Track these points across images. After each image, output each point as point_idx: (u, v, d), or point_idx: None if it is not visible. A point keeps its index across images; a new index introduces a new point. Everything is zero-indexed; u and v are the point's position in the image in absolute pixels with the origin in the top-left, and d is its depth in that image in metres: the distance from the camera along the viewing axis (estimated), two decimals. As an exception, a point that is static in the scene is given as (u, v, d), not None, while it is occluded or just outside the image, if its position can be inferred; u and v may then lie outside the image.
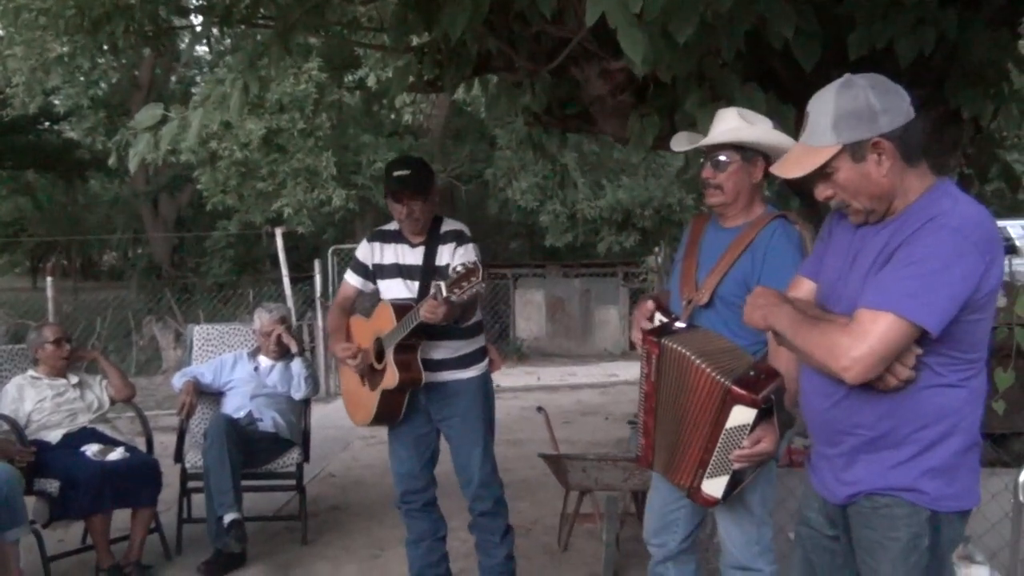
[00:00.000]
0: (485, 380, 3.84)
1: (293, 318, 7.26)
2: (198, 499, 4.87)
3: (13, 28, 10.54)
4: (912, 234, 2.02)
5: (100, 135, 15.66)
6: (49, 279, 9.71)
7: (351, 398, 3.93)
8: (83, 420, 4.72)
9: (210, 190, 13.62)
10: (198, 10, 4.87)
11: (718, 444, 2.57)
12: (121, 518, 4.54)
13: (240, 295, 13.85)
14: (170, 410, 7.34)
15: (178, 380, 5.14)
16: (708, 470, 2.62)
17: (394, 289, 3.76)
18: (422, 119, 15.04)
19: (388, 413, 3.72)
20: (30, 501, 4.29)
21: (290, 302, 10.29)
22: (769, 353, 2.56)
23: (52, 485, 4.34)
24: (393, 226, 3.82)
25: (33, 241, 25.19)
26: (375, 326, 3.71)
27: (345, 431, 8.16)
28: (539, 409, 5.19)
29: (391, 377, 3.58)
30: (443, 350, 3.70)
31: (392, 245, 3.79)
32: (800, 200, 4.70)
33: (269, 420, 4.96)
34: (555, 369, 12.41)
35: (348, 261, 12.85)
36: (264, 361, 5.18)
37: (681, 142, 3.04)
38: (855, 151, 2.07)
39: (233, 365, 5.18)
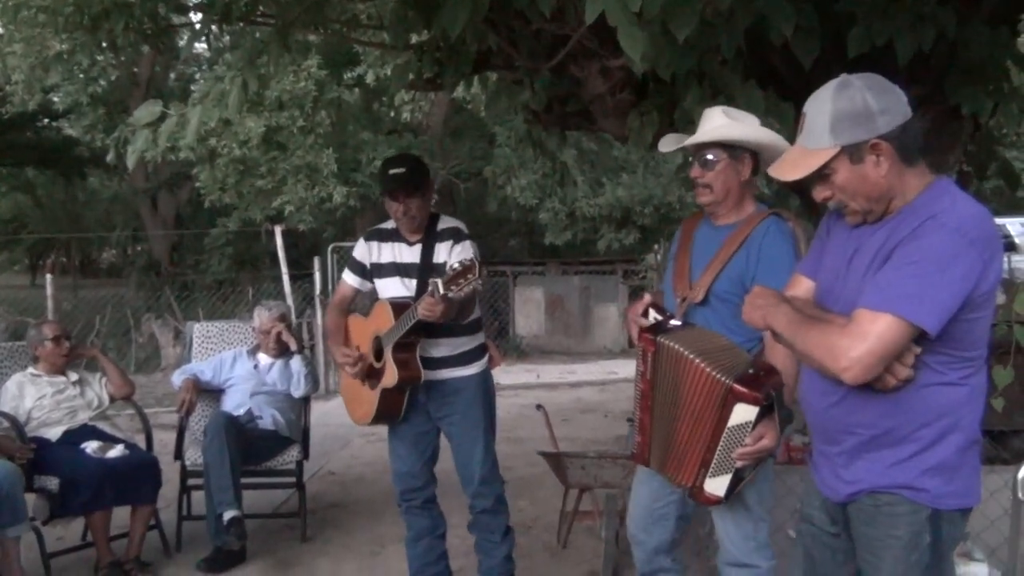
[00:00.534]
0: (485, 377, 3.84)
1: (292, 316, 7.25)
2: (198, 496, 4.87)
3: (12, 25, 10.52)
4: (910, 233, 2.02)
5: (99, 132, 15.63)
6: (48, 276, 9.73)
7: (351, 396, 3.93)
8: (83, 417, 4.72)
9: (209, 188, 13.61)
10: (197, 8, 4.86)
11: (720, 443, 2.57)
12: (121, 515, 4.54)
13: (239, 293, 13.86)
14: (170, 407, 7.35)
15: (177, 378, 5.14)
16: (711, 469, 2.62)
17: (392, 288, 3.75)
18: (421, 117, 15.04)
19: (388, 412, 3.71)
20: (30, 498, 4.29)
21: (289, 300, 10.29)
22: (766, 350, 2.56)
23: (52, 482, 4.35)
24: (390, 225, 3.81)
25: (32, 239, 25.18)
26: (374, 325, 3.71)
27: (345, 428, 8.16)
28: (538, 407, 5.19)
29: (390, 376, 3.57)
30: (443, 348, 3.69)
31: (389, 244, 3.79)
32: (800, 199, 4.71)
33: (269, 417, 4.96)
34: (554, 367, 12.41)
35: (347, 259, 12.84)
36: (263, 359, 5.19)
37: (669, 143, 3.06)
38: (853, 153, 2.06)
39: (233, 363, 5.18)
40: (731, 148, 2.87)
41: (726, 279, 2.87)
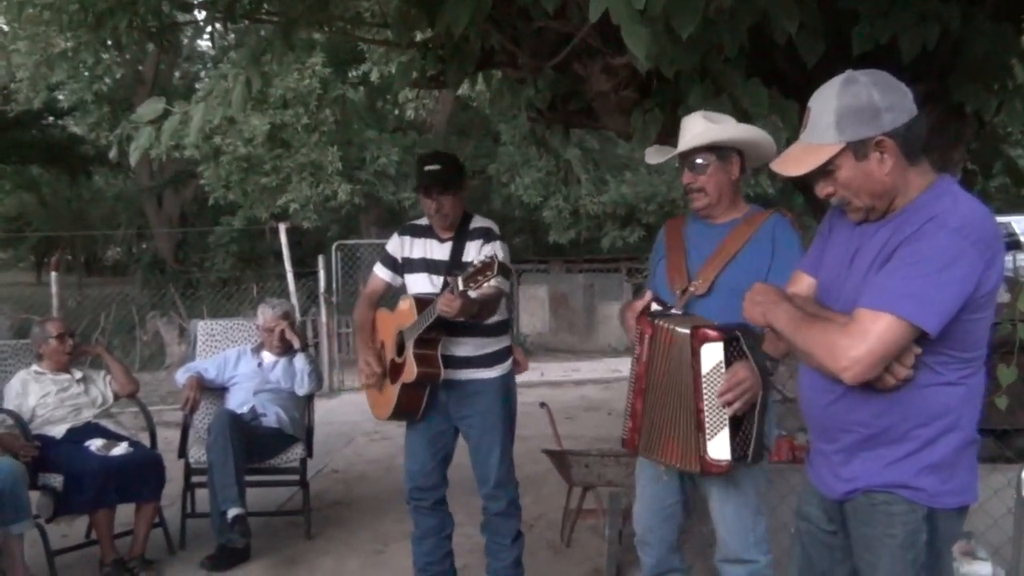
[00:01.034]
0: (507, 380, 3.82)
1: (297, 314, 7.26)
2: (202, 494, 4.87)
3: (17, 23, 10.57)
4: (912, 234, 2.01)
5: (104, 130, 15.67)
6: (53, 274, 9.75)
7: (373, 391, 3.93)
8: (87, 415, 4.73)
9: (214, 185, 13.63)
10: (201, 5, 4.86)
11: (704, 396, 2.64)
12: (125, 513, 4.55)
13: (244, 290, 13.88)
14: (174, 405, 7.35)
15: (182, 375, 5.15)
16: (707, 431, 2.66)
17: (420, 284, 3.76)
18: (426, 114, 15.04)
19: (407, 408, 3.71)
20: (34, 496, 4.31)
21: (294, 298, 10.31)
22: (765, 344, 2.59)
23: (56, 480, 4.36)
24: (424, 221, 3.82)
25: (37, 236, 25.28)
26: (398, 320, 3.72)
27: (348, 426, 8.19)
28: (542, 405, 5.19)
29: (409, 371, 3.58)
30: (466, 347, 3.69)
31: (422, 240, 3.80)
32: (803, 196, 4.70)
33: (272, 415, 4.97)
34: (558, 365, 12.41)
35: (351, 256, 12.82)
36: (267, 357, 5.19)
37: (653, 155, 3.12)
38: (858, 149, 2.05)
39: (237, 361, 5.19)
40: (718, 150, 2.94)
41: (736, 272, 2.89)
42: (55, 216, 25.77)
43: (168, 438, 5.63)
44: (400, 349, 3.67)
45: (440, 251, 3.74)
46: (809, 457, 2.37)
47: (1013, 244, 12.17)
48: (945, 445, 2.08)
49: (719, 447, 2.68)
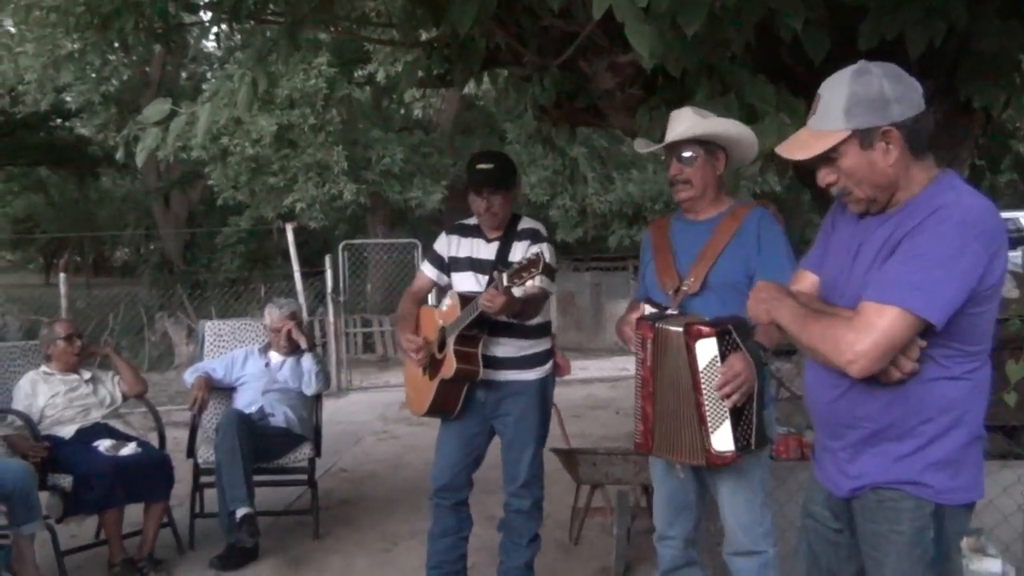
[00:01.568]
0: (546, 383, 3.82)
1: (304, 313, 7.28)
2: (210, 494, 4.89)
3: (24, 25, 10.57)
4: (916, 227, 2.01)
5: (111, 132, 15.69)
6: (62, 275, 9.78)
7: (412, 385, 3.94)
8: (96, 415, 4.74)
9: (221, 186, 13.66)
10: (207, 6, 4.87)
11: (703, 391, 2.68)
12: (134, 513, 4.56)
13: (252, 290, 13.91)
14: (182, 405, 7.38)
15: (190, 376, 5.16)
16: (709, 424, 2.70)
17: (465, 282, 3.75)
18: (432, 114, 15.05)
19: (444, 405, 3.71)
20: (44, 496, 4.32)
21: (301, 297, 10.32)
22: (759, 333, 2.67)
23: (65, 480, 4.37)
24: (472, 220, 3.82)
25: (46, 238, 25.35)
26: (441, 316, 3.72)
27: (356, 426, 8.20)
28: (550, 403, 5.19)
29: (449, 366, 3.58)
30: (506, 348, 3.68)
31: (469, 239, 3.80)
32: (811, 192, 4.69)
33: (281, 415, 4.97)
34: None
35: (358, 256, 12.83)
36: (275, 356, 5.20)
37: (642, 145, 3.16)
38: (864, 138, 2.06)
39: (244, 360, 5.20)
40: (706, 144, 2.99)
41: (725, 267, 2.94)
42: (63, 217, 25.85)
43: (177, 438, 5.65)
44: (441, 345, 3.67)
45: (486, 251, 3.74)
46: (815, 455, 2.37)
47: (1021, 240, 12.11)
48: (952, 440, 2.07)
49: (722, 439, 2.71)
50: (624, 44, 2.97)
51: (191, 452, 5.01)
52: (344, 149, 12.93)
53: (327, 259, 10.72)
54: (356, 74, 13.28)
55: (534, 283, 3.28)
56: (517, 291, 3.32)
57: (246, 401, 5.01)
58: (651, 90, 4.04)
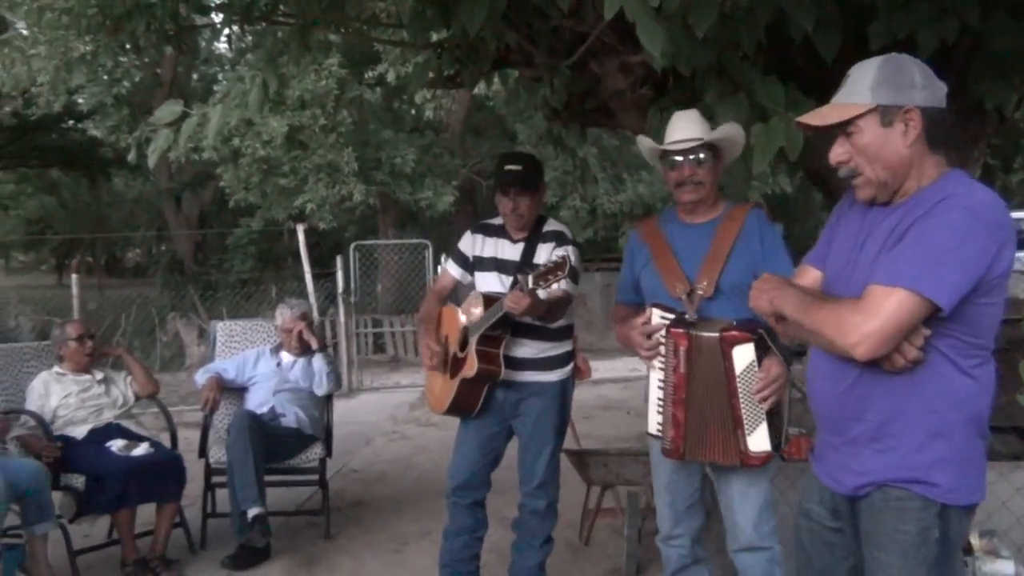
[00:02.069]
0: (565, 386, 3.82)
1: (315, 314, 7.29)
2: (222, 494, 4.90)
3: (37, 28, 10.64)
4: (924, 214, 2.01)
5: (123, 133, 15.75)
6: (74, 276, 9.81)
7: (433, 384, 3.94)
8: (108, 416, 4.76)
9: (233, 187, 13.70)
10: (219, 8, 4.89)
11: (740, 395, 2.72)
12: (146, 513, 4.58)
13: (263, 291, 13.95)
14: (194, 406, 7.40)
15: (201, 376, 5.18)
16: (745, 426, 2.74)
17: (489, 282, 3.76)
18: (443, 114, 15.05)
19: (463, 404, 3.72)
20: (57, 496, 4.34)
21: (312, 298, 10.34)
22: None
23: (78, 480, 4.40)
24: (498, 221, 3.83)
25: (58, 239, 25.45)
26: (465, 316, 3.73)
27: (367, 426, 8.21)
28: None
29: (470, 366, 3.59)
30: (527, 349, 3.69)
31: (494, 239, 3.81)
32: (822, 192, 4.68)
33: (292, 415, 4.99)
34: (576, 364, 12.36)
35: (369, 257, 12.83)
36: (286, 357, 5.21)
37: (648, 143, 3.17)
38: (885, 114, 2.07)
39: (256, 361, 5.21)
40: (713, 147, 3.04)
41: (733, 271, 2.96)
42: (75, 219, 25.98)
43: (188, 438, 5.66)
44: (463, 345, 3.68)
45: (511, 251, 3.75)
46: (816, 452, 2.36)
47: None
48: (959, 437, 2.07)
49: (759, 440, 2.76)
50: (635, 44, 2.98)
51: (203, 452, 5.02)
52: (354, 150, 12.94)
53: (338, 260, 10.74)
54: (367, 75, 13.30)
55: (559, 286, 3.29)
56: (542, 293, 3.33)
57: (257, 401, 5.02)
58: (661, 90, 4.03)
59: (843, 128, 2.10)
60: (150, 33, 4.33)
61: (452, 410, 3.77)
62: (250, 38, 10.99)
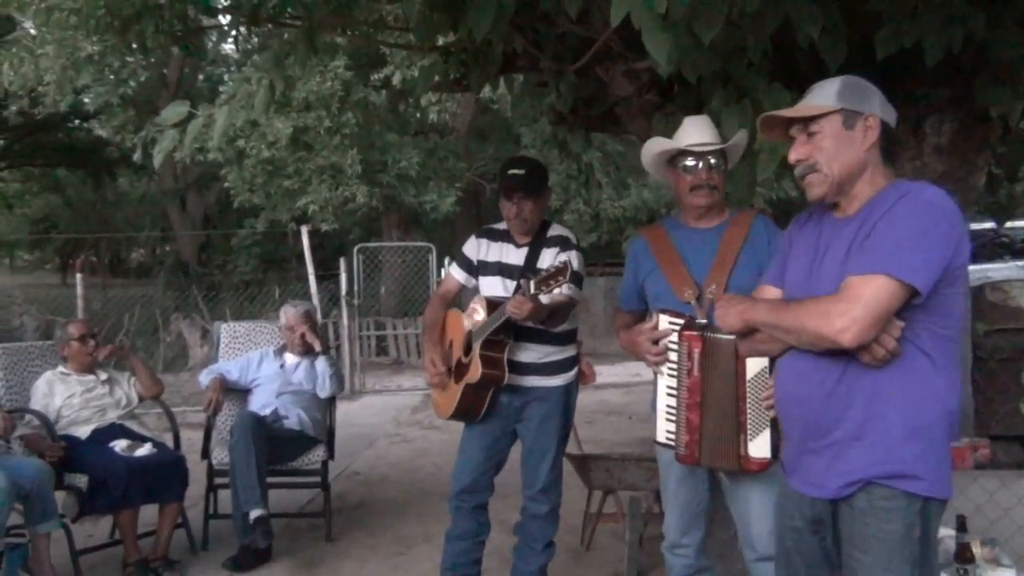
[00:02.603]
0: (569, 390, 3.83)
1: (319, 316, 7.30)
2: (224, 495, 4.91)
3: (45, 28, 10.67)
4: (888, 210, 2.14)
5: (129, 133, 15.80)
6: (79, 276, 9.81)
7: (438, 389, 3.95)
8: (112, 416, 4.77)
9: (237, 188, 13.72)
10: (226, 10, 4.90)
11: (748, 400, 2.71)
12: (148, 513, 4.59)
13: (266, 293, 13.96)
14: (197, 407, 7.41)
15: (205, 377, 5.19)
16: (749, 432, 2.74)
17: (493, 287, 3.77)
18: (448, 117, 15.07)
19: (468, 409, 3.73)
20: (59, 496, 4.35)
21: (315, 300, 10.36)
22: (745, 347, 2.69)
23: (81, 480, 4.40)
24: (502, 225, 3.84)
25: (63, 238, 25.53)
26: (469, 320, 3.74)
27: (370, 429, 8.22)
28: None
29: (474, 371, 3.60)
30: (531, 354, 3.71)
31: (498, 244, 3.82)
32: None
33: (295, 417, 4.99)
34: (579, 368, 12.36)
35: (373, 260, 12.83)
36: (290, 359, 5.22)
37: (659, 145, 3.17)
38: (848, 117, 2.23)
39: (259, 362, 5.22)
40: (723, 154, 3.09)
41: (741, 275, 2.95)
42: (80, 218, 26.02)
43: (191, 439, 5.67)
44: (468, 349, 3.69)
45: (515, 256, 3.76)
46: (788, 464, 2.40)
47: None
48: (938, 434, 2.15)
49: (760, 446, 2.75)
50: (640, 50, 2.97)
51: (206, 453, 5.03)
52: (359, 152, 12.96)
53: (342, 262, 10.75)
54: (372, 77, 13.32)
55: (561, 291, 3.30)
56: (544, 298, 3.34)
57: (260, 403, 5.03)
58: (667, 96, 4.03)
59: (807, 127, 2.26)
60: (158, 34, 4.34)
61: (457, 415, 3.77)
62: (256, 39, 11.01)
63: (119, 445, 4.54)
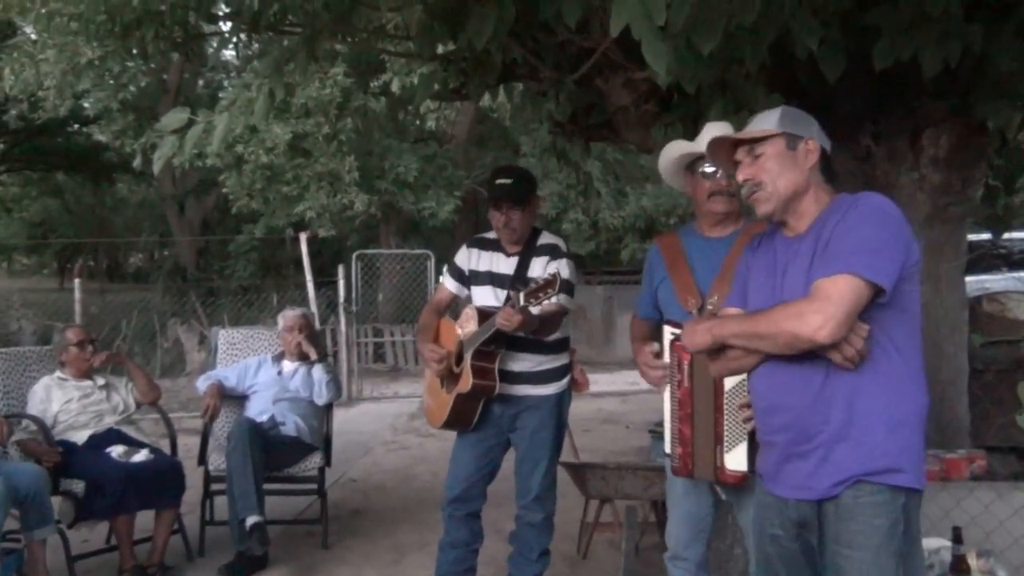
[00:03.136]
0: (561, 399, 3.84)
1: (316, 322, 7.30)
2: (221, 501, 4.90)
3: (46, 33, 10.67)
4: (841, 219, 2.24)
5: (129, 138, 15.79)
6: (77, 281, 9.82)
7: (431, 398, 3.96)
8: (109, 421, 4.77)
9: (236, 194, 13.72)
10: (227, 16, 4.91)
11: (724, 412, 2.71)
12: (145, 519, 4.58)
13: (264, 299, 13.94)
14: (194, 412, 7.41)
15: (202, 383, 5.19)
16: (725, 444, 2.73)
17: (484, 296, 3.79)
18: (447, 125, 15.09)
19: (460, 419, 3.74)
20: (56, 501, 4.34)
21: (313, 306, 10.35)
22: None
23: (78, 485, 4.39)
24: (493, 235, 3.85)
25: (61, 243, 25.49)
26: (460, 330, 3.75)
27: (366, 436, 8.21)
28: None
29: (465, 381, 3.61)
30: (523, 363, 3.71)
31: (489, 253, 3.83)
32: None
33: (291, 424, 4.99)
34: (576, 376, 12.35)
35: (371, 266, 12.83)
36: (287, 365, 5.22)
37: (680, 148, 3.12)
38: (790, 140, 2.35)
39: (257, 369, 5.22)
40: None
41: None
42: (79, 223, 26.03)
43: (188, 445, 5.67)
44: (459, 359, 3.69)
45: (506, 265, 3.77)
46: (767, 472, 2.41)
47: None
48: (916, 427, 2.23)
49: (736, 459, 2.73)
50: (640, 61, 2.99)
51: (202, 459, 5.03)
52: (357, 159, 12.97)
53: (340, 269, 10.75)
54: (372, 84, 13.34)
55: (551, 302, 3.30)
56: (534, 310, 3.34)
57: (258, 409, 5.03)
58: (666, 106, 4.05)
59: (753, 150, 2.37)
60: (158, 40, 4.35)
61: (449, 425, 3.78)
62: (257, 46, 11.01)
63: (116, 451, 4.53)
